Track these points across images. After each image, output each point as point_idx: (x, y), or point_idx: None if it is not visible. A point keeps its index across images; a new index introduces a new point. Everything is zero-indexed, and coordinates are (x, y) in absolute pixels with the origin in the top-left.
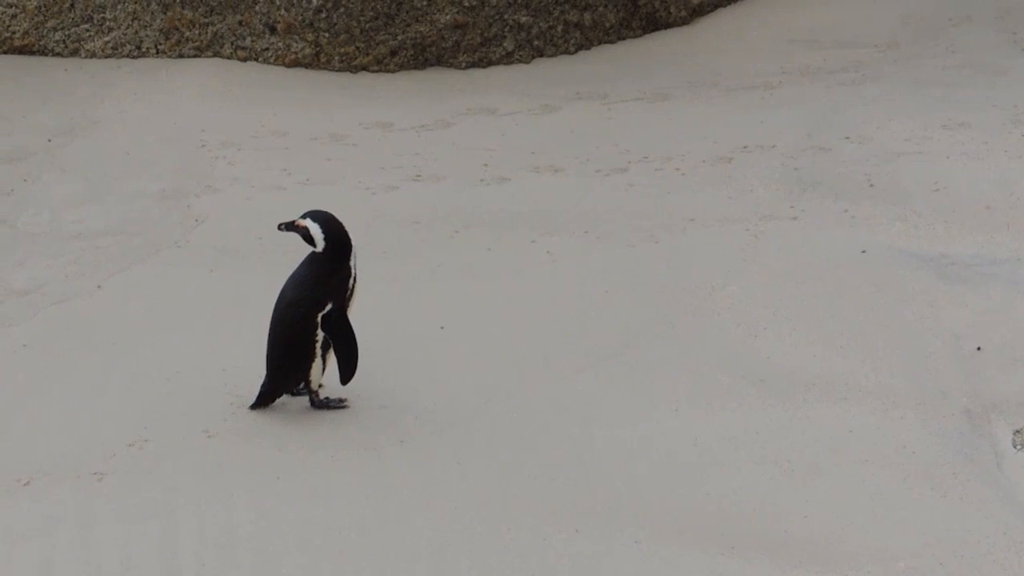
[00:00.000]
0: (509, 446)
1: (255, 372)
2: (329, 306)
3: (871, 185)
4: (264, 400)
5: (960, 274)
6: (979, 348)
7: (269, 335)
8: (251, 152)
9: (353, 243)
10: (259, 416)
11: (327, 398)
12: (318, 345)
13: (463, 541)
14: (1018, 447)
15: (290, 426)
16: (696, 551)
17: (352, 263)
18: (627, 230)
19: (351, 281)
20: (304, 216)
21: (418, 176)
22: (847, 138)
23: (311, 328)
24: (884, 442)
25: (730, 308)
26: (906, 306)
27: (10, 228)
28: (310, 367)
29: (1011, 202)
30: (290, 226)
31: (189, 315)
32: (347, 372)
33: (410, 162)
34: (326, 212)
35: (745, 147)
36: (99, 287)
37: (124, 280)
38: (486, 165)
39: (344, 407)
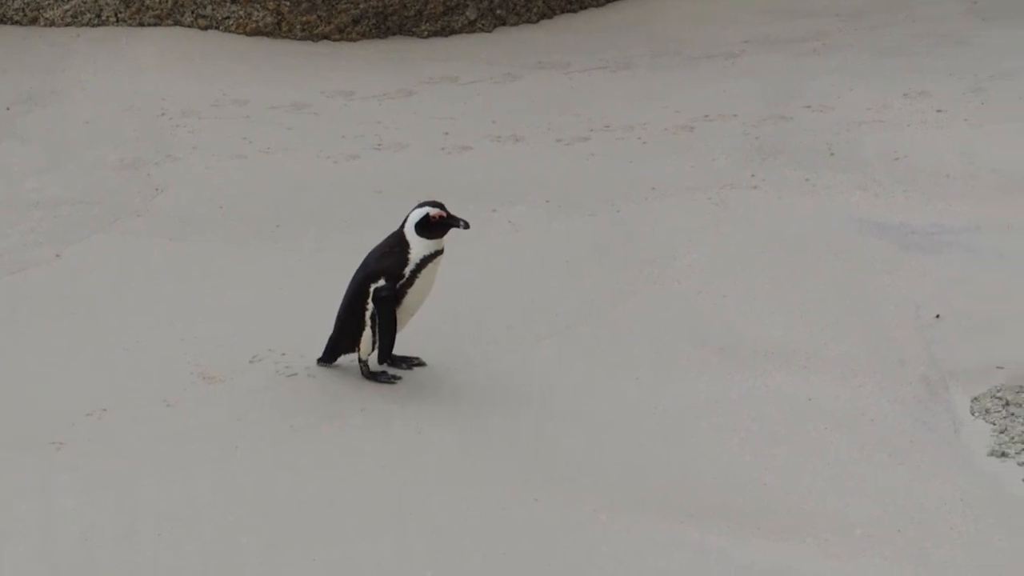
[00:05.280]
0: (470, 415)
1: (216, 342)
2: (382, 281)
3: (832, 154)
4: (328, 356)
5: (920, 243)
6: (938, 316)
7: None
8: (211, 121)
9: (431, 244)
10: (219, 386)
11: (383, 372)
12: (367, 315)
13: (424, 510)
14: (975, 415)
15: (250, 396)
16: (656, 519)
17: (419, 253)
18: (588, 199)
19: (407, 268)
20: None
21: (380, 145)
22: (808, 107)
23: (364, 296)
24: (843, 410)
25: (691, 277)
26: (866, 274)
27: None
28: (360, 335)
29: (970, 171)
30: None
31: (149, 284)
32: (382, 350)
33: (372, 131)
34: (435, 203)
35: (707, 116)
36: (58, 256)
37: (83, 249)
38: (447, 134)
39: (393, 382)
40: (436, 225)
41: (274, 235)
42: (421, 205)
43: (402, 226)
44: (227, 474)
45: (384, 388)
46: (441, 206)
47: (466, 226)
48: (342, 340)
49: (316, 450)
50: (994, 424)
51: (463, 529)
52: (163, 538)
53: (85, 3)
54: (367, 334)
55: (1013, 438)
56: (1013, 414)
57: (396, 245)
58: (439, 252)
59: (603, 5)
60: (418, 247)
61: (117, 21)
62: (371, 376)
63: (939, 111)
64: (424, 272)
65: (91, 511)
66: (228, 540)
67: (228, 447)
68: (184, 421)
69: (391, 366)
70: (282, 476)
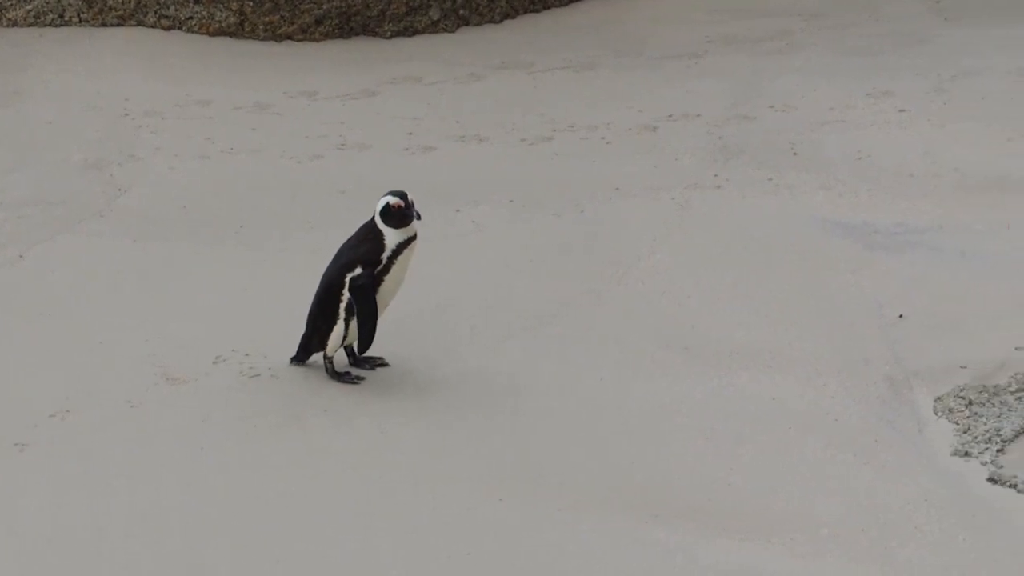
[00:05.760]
0: (435, 415)
1: (180, 342)
2: (359, 270)
3: (795, 154)
4: (300, 354)
5: (883, 242)
6: (901, 316)
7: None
8: (174, 121)
9: (400, 232)
10: (183, 387)
11: (347, 372)
12: (342, 307)
13: (389, 510)
14: (939, 414)
15: (214, 397)
16: (621, 519)
17: (393, 240)
18: (552, 199)
19: (383, 255)
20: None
21: (343, 145)
22: (771, 107)
23: (339, 287)
24: (808, 409)
25: (655, 277)
26: (829, 274)
27: None
28: (331, 330)
29: (933, 170)
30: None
31: (112, 285)
32: (362, 340)
33: (335, 131)
34: (396, 192)
35: (670, 116)
36: (21, 257)
37: (46, 250)
38: (411, 134)
39: (356, 382)
40: (396, 214)
41: (237, 235)
42: (386, 194)
43: (373, 216)
44: (192, 475)
45: (348, 388)
46: (402, 195)
47: (418, 217)
48: (314, 337)
49: (281, 450)
50: (957, 424)
51: (428, 528)
52: (130, 539)
53: (48, 3)
54: (338, 328)
55: (976, 438)
56: (976, 414)
57: (370, 233)
58: (412, 238)
59: (566, 5)
60: (391, 235)
61: (80, 21)
62: (336, 376)
63: (902, 111)
64: (400, 259)
65: (57, 512)
66: (195, 540)
67: (193, 448)
68: (148, 422)
69: (355, 366)
70: (247, 476)
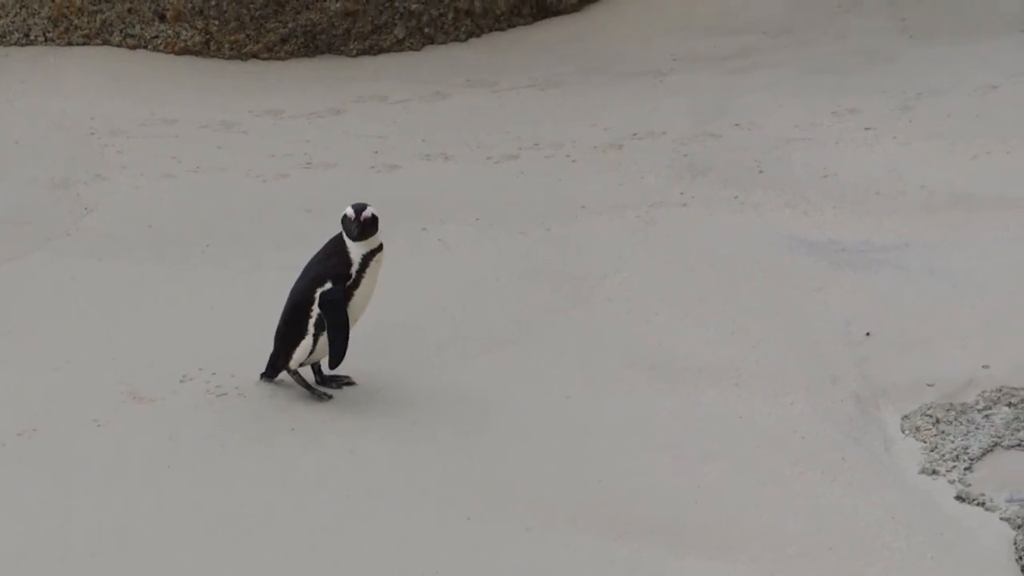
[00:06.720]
0: (402, 433)
1: (146, 361)
2: (329, 284)
3: (761, 171)
4: (269, 371)
5: (849, 260)
6: (868, 334)
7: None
8: (140, 140)
9: (364, 244)
10: (150, 406)
11: (314, 389)
12: (311, 322)
13: (358, 527)
14: (906, 432)
15: (181, 415)
16: (588, 537)
17: (358, 253)
18: (518, 217)
19: (352, 268)
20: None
21: (309, 164)
22: (737, 125)
23: (309, 303)
24: (775, 427)
25: (621, 295)
26: (796, 292)
27: None
28: (298, 344)
29: (899, 188)
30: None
31: (78, 304)
32: (334, 355)
33: (301, 149)
34: (356, 205)
35: (635, 134)
36: None
37: (13, 269)
38: (377, 152)
39: (323, 400)
40: (356, 226)
41: (204, 254)
42: (347, 208)
43: (341, 232)
44: (159, 493)
45: (315, 407)
46: (359, 209)
47: (374, 222)
48: (281, 353)
49: (248, 469)
50: (924, 442)
51: (397, 546)
52: (97, 557)
53: (13, 23)
54: (305, 343)
55: (944, 456)
56: (944, 432)
57: (337, 247)
58: (377, 250)
59: (531, 23)
60: (355, 248)
61: (46, 40)
62: (303, 383)
63: (867, 128)
64: (368, 271)
65: (24, 531)
66: (162, 559)
67: (160, 466)
68: (115, 441)
69: (321, 384)
70: (214, 495)
